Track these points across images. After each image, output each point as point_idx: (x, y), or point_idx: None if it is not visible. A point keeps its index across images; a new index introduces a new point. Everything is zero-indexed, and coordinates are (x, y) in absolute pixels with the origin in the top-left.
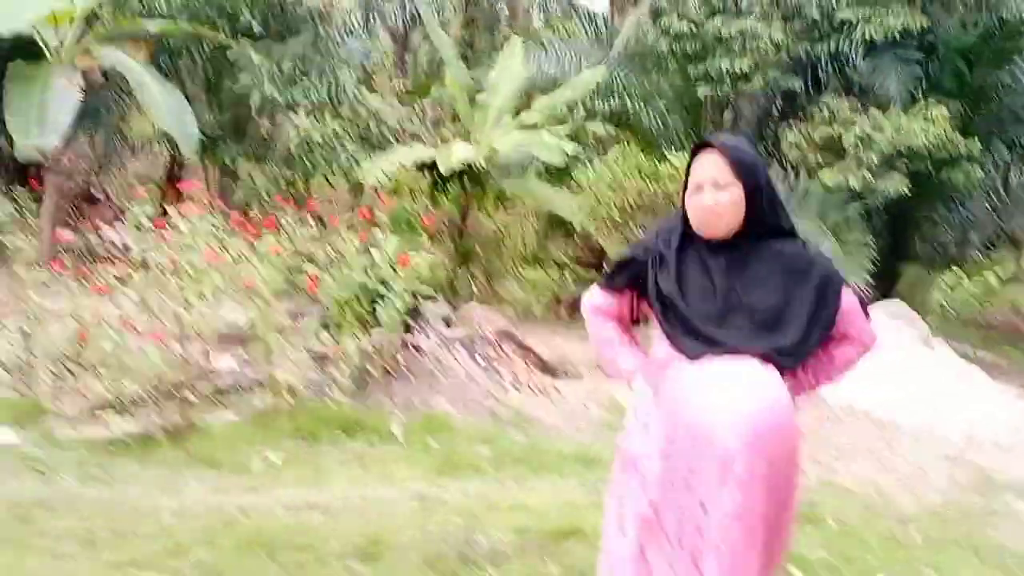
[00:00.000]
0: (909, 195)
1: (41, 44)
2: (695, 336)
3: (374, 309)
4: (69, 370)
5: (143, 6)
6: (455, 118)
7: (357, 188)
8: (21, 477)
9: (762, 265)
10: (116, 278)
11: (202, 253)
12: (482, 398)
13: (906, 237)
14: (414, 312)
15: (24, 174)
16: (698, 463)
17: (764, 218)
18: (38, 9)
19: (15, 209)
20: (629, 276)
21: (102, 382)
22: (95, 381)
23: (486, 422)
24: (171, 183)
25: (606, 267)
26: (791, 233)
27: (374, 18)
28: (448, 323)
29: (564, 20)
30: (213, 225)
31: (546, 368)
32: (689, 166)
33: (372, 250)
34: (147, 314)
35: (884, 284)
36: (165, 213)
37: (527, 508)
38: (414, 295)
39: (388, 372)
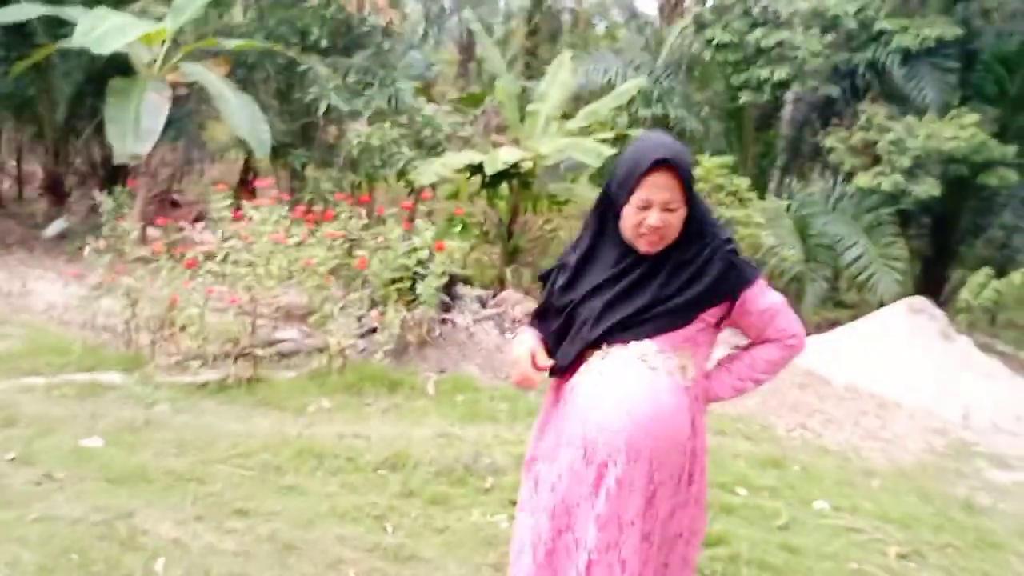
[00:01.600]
0: (946, 199)
1: (134, 61)
2: (571, 339)
3: (414, 287)
4: (163, 330)
5: (223, 24)
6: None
7: (414, 190)
8: (129, 406)
9: (668, 269)
10: (202, 255)
11: (270, 238)
12: (503, 365)
13: (952, 242)
14: (451, 292)
15: (120, 176)
16: (572, 468)
17: (693, 231)
18: (135, 31)
19: (115, 205)
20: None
21: (188, 340)
22: (183, 339)
23: (508, 385)
24: (244, 186)
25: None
26: (713, 233)
27: (438, 31)
28: (483, 304)
29: (623, 27)
30: (280, 216)
31: None
32: (639, 177)
33: (414, 237)
34: (225, 287)
35: (933, 286)
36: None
37: (529, 442)
38: (450, 276)
39: (424, 341)
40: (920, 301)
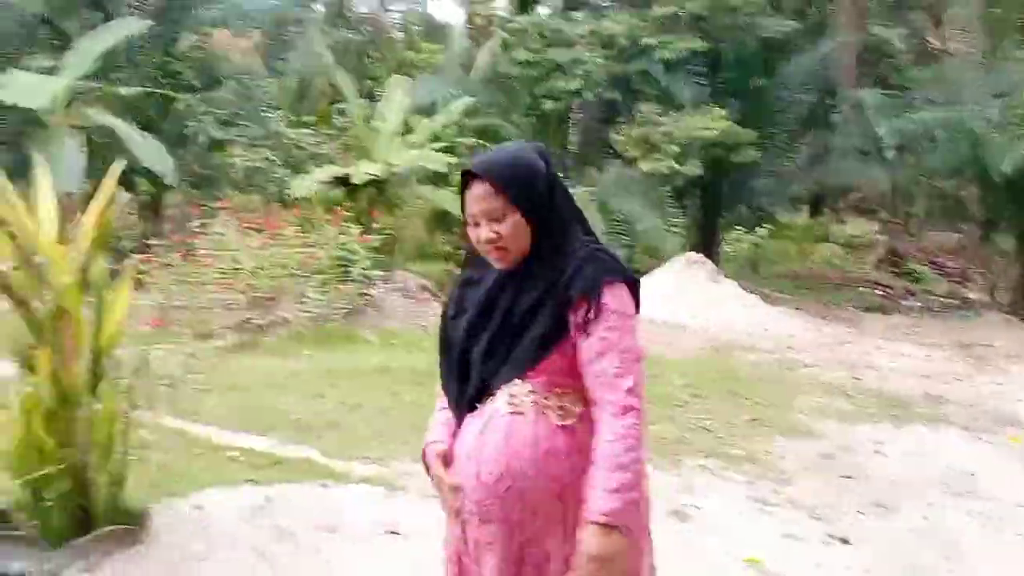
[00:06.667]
0: (709, 176)
1: (42, 114)
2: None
3: (347, 271)
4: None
5: (104, 70)
6: (348, 140)
7: (282, 201)
8: (186, 365)
9: (530, 284)
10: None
11: (245, 246)
12: (416, 321)
13: (718, 208)
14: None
15: None
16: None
17: (553, 231)
18: (52, 87)
19: None
20: None
21: (213, 319)
22: (207, 316)
23: (421, 333)
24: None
25: None
26: (583, 235)
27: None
28: (385, 281)
29: (425, 40)
30: (237, 228)
31: None
32: (461, 195)
33: (342, 235)
34: (224, 280)
35: (706, 244)
36: None
37: None
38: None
39: (359, 309)
40: (695, 255)
